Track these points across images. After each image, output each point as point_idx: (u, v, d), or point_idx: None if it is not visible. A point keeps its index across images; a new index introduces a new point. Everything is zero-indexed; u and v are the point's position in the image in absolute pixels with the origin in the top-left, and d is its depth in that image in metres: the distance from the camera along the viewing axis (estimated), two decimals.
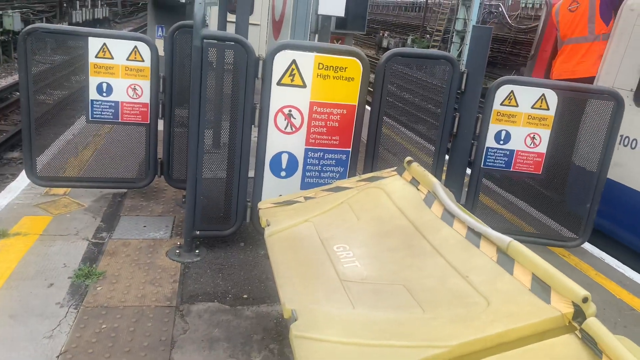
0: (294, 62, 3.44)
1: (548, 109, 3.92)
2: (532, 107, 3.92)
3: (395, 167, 3.08)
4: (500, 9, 29.62)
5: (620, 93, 3.97)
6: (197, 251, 3.72)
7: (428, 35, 31.89)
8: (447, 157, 4.08)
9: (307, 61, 3.45)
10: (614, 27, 5.07)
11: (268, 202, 3.01)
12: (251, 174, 3.68)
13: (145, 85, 4.13)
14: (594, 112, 4.01)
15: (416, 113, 4.62)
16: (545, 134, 3.99)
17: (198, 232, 3.68)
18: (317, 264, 2.38)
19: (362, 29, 9.54)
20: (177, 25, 4.24)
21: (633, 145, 4.63)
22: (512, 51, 26.40)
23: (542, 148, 4.02)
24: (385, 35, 35.05)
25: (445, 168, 4.10)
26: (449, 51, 25.21)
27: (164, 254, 3.66)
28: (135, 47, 4.02)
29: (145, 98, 4.16)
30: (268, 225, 2.73)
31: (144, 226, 4.04)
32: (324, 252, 2.46)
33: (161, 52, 4.15)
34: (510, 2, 28.37)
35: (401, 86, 4.36)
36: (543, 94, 3.90)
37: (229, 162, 3.65)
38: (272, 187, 3.66)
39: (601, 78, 5.08)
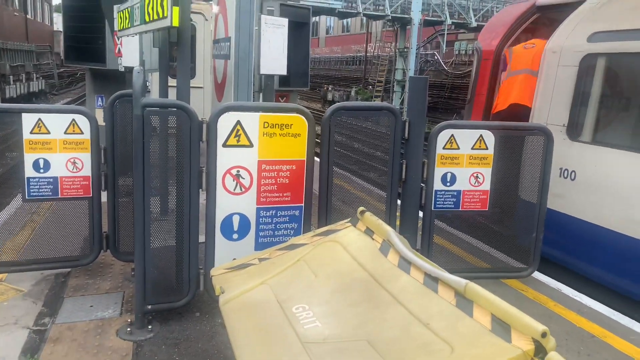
0: (238, 122, 3.44)
1: (487, 148, 4.09)
2: (472, 148, 4.08)
3: (349, 219, 3.06)
4: (435, 57, 31.31)
5: (554, 128, 4.20)
6: (149, 327, 3.51)
7: (370, 87, 33.12)
8: (399, 201, 4.12)
9: (252, 121, 3.46)
10: (540, 68, 5.39)
11: (221, 268, 2.90)
12: (202, 239, 3.57)
13: (85, 157, 4.00)
14: (528, 147, 4.23)
15: (365, 161, 4.70)
16: (487, 172, 4.15)
17: (150, 307, 3.49)
18: (276, 328, 2.28)
19: (306, 85, 9.77)
20: (117, 95, 4.19)
21: (572, 177, 4.84)
22: (451, 95, 27.77)
23: (486, 186, 4.17)
24: (329, 89, 36.13)
25: (398, 213, 4.13)
26: (392, 100, 26.25)
27: (114, 333, 3.43)
28: (73, 119, 3.92)
29: (87, 171, 4.02)
30: (222, 293, 2.61)
31: (91, 306, 3.80)
32: (282, 314, 2.37)
33: (101, 122, 4.06)
34: (444, 50, 30.07)
35: (349, 136, 4.44)
36: (481, 135, 4.07)
37: (178, 228, 3.53)
38: (225, 251, 3.55)
39: (535, 115, 5.35)
